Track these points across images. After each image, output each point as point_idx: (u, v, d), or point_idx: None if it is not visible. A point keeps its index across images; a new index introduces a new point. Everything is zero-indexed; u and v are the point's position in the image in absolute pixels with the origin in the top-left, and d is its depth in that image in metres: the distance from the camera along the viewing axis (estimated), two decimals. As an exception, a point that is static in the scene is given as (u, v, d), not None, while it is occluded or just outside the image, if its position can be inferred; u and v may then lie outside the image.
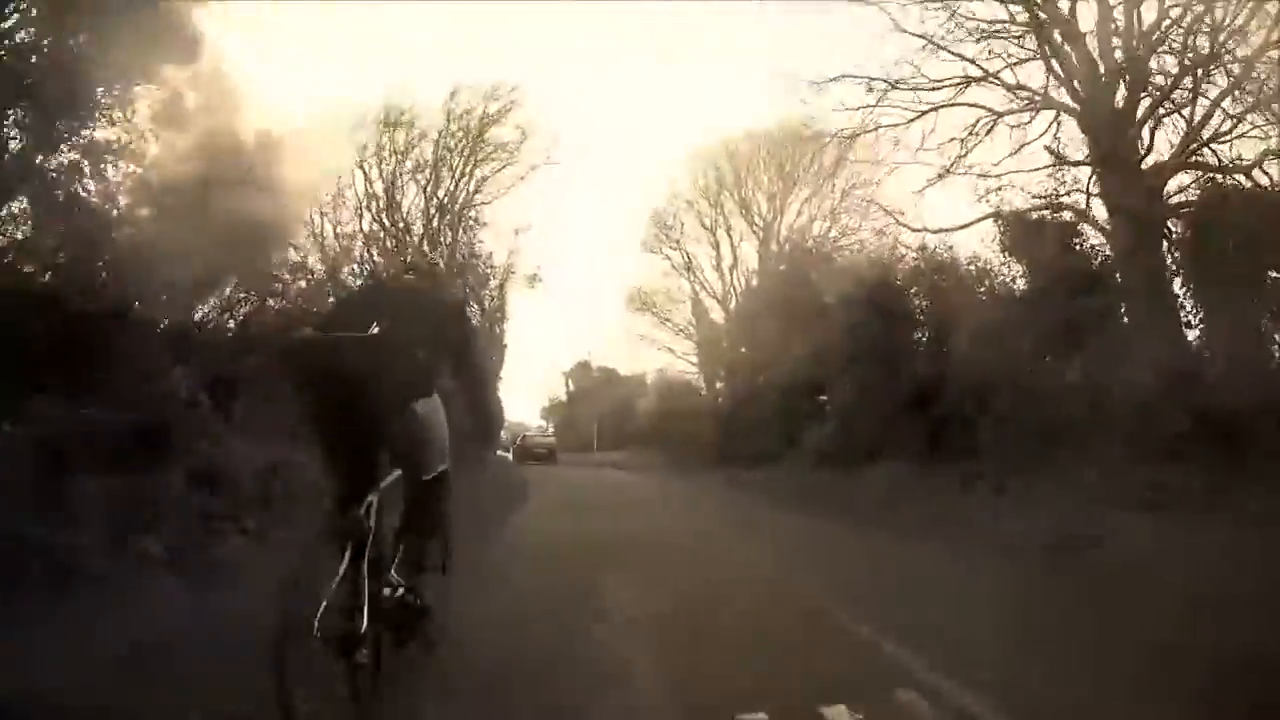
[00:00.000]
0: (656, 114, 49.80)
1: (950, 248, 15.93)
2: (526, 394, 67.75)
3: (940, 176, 15.08)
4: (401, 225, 16.74)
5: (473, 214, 16.69)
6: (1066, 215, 14.41)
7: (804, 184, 26.81)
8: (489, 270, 16.47)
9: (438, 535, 3.70)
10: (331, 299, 9.84)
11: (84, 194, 7.62)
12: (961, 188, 22.26)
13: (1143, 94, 13.21)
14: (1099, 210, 13.97)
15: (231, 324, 9.69)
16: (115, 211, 8.00)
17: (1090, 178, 14.00)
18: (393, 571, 3.36)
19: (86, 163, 7.60)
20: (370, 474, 3.26)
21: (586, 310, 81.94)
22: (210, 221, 7.82)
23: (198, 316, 9.29)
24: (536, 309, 77.87)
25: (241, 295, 9.89)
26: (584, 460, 43.10)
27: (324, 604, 2.80)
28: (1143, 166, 13.24)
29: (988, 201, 14.98)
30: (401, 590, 3.37)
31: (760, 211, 26.82)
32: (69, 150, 7.46)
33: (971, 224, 15.42)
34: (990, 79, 14.52)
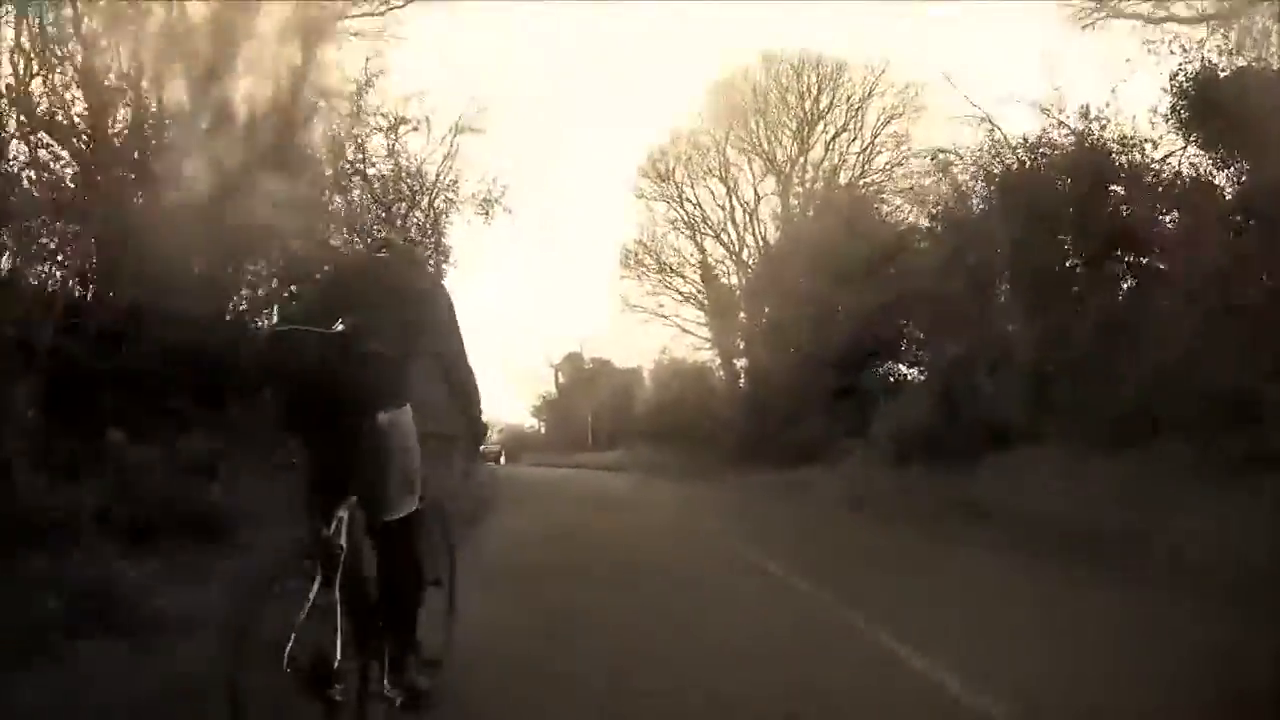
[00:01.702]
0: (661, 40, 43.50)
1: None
2: (514, 391, 63.32)
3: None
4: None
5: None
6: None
7: (831, 119, 21.93)
8: (408, 182, 11.42)
9: (416, 615, 3.05)
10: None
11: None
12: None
13: None
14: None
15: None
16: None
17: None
18: (385, 684, 2.89)
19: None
20: (342, 487, 2.80)
21: (577, 289, 76.63)
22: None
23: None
24: (518, 293, 72.94)
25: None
26: (576, 462, 38.27)
27: (293, 635, 2.45)
28: None
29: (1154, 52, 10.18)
30: (400, 701, 2.92)
31: (785, 150, 21.83)
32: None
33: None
34: None
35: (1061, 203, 10.74)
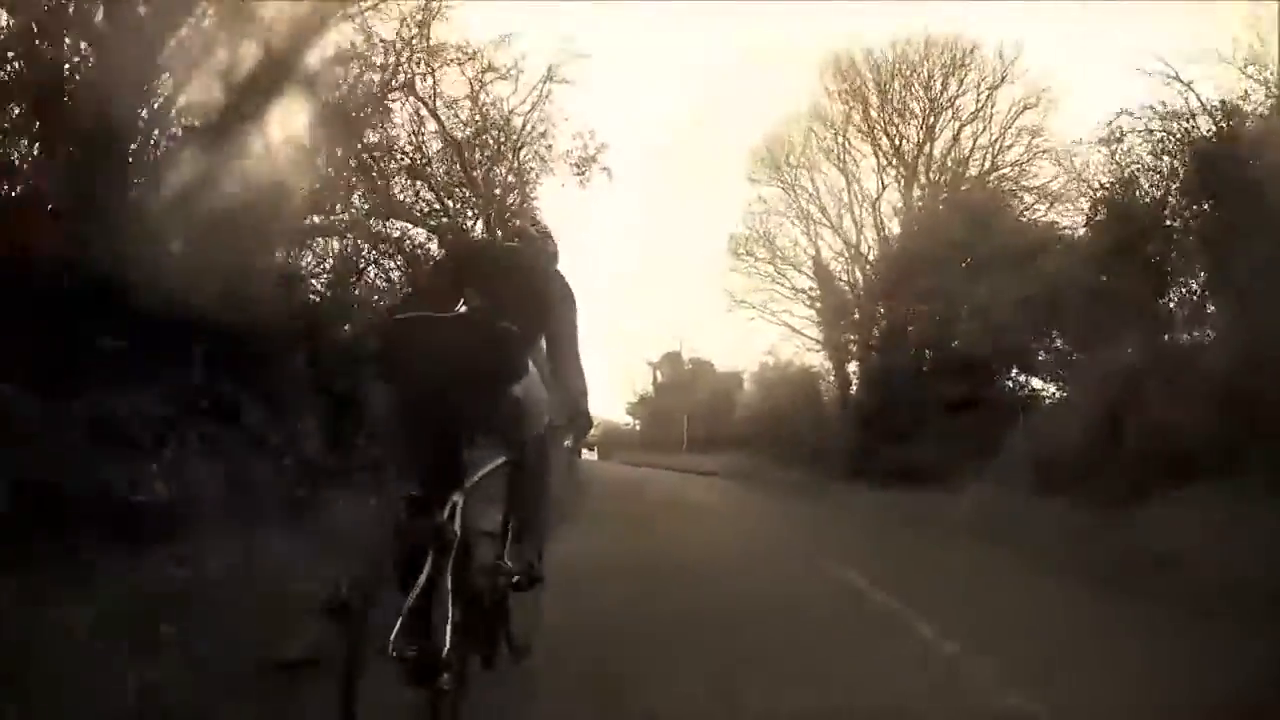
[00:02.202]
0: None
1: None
2: (610, 386, 62.91)
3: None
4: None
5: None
6: None
7: (960, 107, 19.84)
8: (494, 134, 10.36)
9: (540, 514, 3.38)
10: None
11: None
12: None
13: None
14: None
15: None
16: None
17: None
18: (505, 558, 3.16)
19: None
20: (456, 472, 2.89)
21: (680, 282, 75.35)
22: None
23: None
24: (619, 282, 72.51)
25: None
26: (668, 464, 37.13)
27: (399, 621, 2.43)
28: None
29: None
30: (517, 578, 3.18)
31: (910, 139, 19.91)
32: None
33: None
34: None
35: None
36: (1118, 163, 11.39)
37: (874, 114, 19.79)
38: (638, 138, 61.64)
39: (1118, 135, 11.04)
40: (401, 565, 2.57)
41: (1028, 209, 17.79)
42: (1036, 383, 14.86)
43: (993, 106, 19.54)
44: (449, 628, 2.53)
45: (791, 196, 21.05)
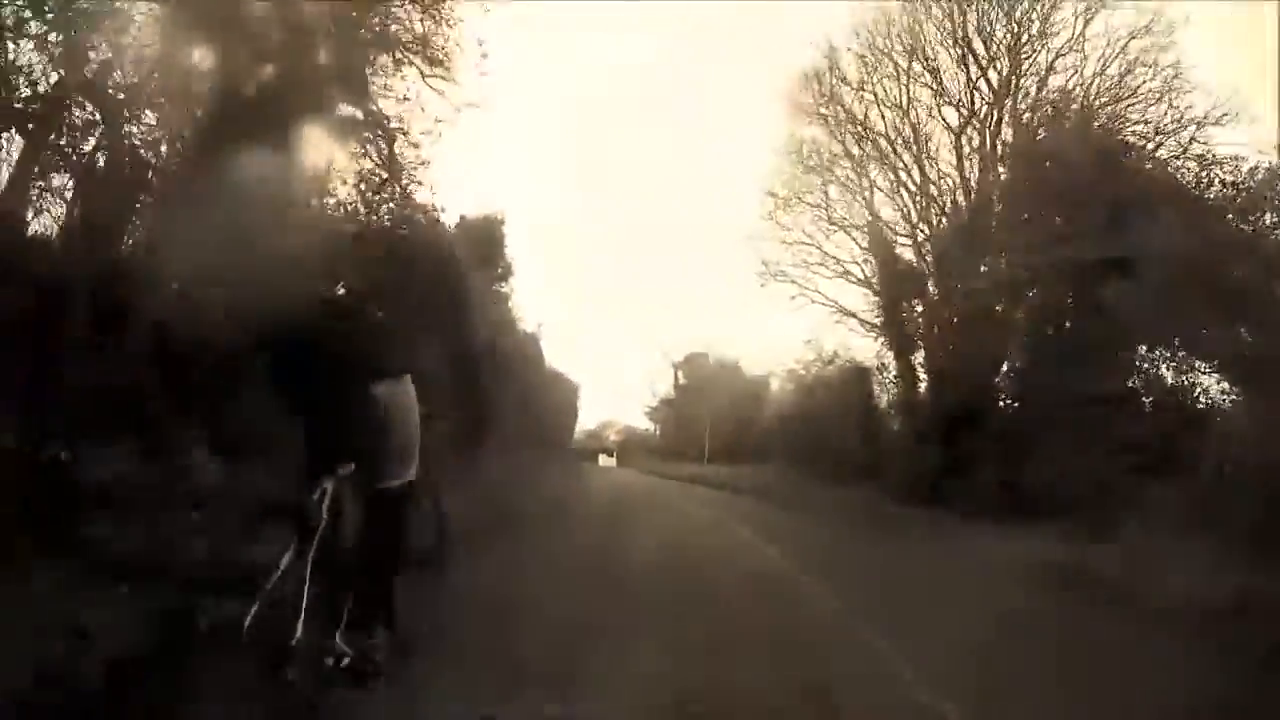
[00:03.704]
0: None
1: None
2: (630, 389, 59.20)
3: None
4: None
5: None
6: None
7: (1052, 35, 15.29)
8: None
9: (392, 583, 3.03)
10: None
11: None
12: None
13: None
14: None
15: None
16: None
17: None
18: (337, 638, 2.79)
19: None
20: (332, 456, 2.74)
21: (705, 276, 71.01)
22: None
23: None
24: (642, 274, 68.38)
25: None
26: (689, 474, 32.96)
27: (254, 607, 2.42)
28: None
29: None
30: (348, 659, 2.78)
31: (989, 72, 15.40)
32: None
33: None
34: None
35: None
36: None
37: (951, 23, 15.21)
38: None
39: None
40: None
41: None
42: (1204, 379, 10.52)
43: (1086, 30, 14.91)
44: (300, 617, 2.37)
45: (839, 137, 16.51)
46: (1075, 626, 6.02)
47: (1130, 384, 10.68)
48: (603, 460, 61.24)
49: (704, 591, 6.39)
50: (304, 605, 2.41)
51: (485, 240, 12.68)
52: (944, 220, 15.08)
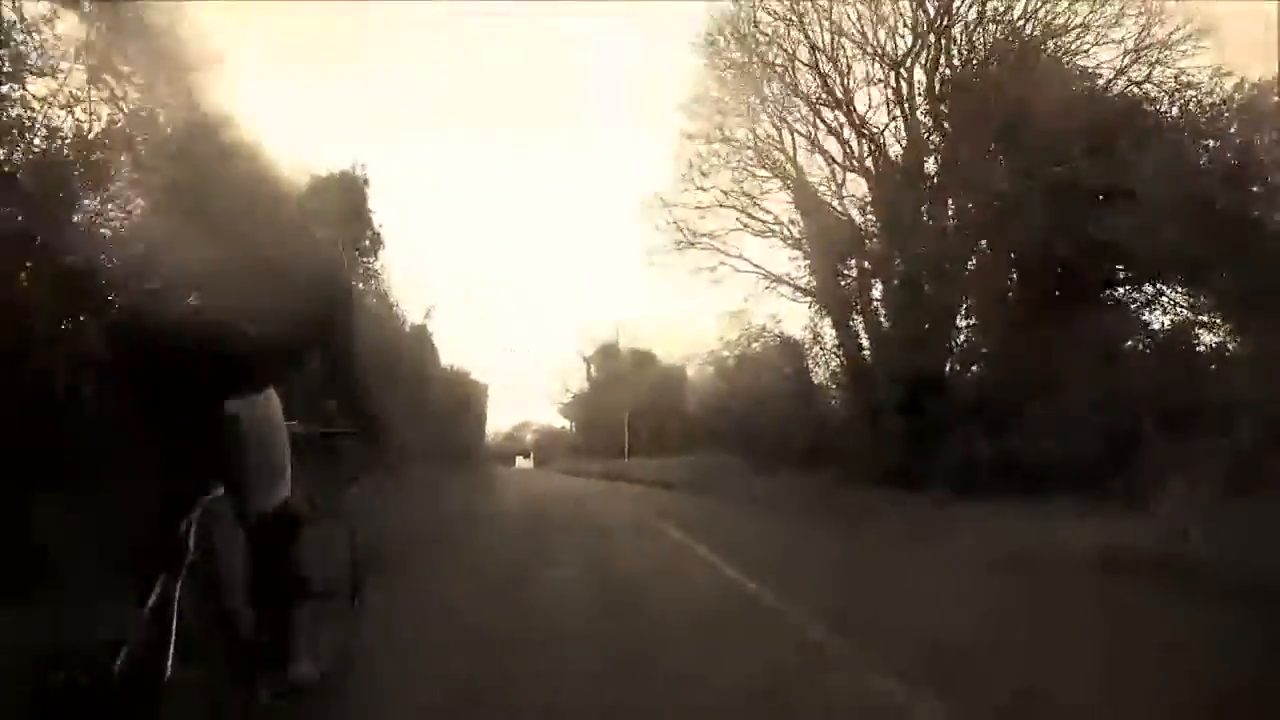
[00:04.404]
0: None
1: None
2: (543, 386, 56.92)
3: None
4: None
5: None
6: None
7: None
8: None
9: (296, 602, 2.73)
10: None
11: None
12: None
13: None
14: None
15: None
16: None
17: None
18: (257, 681, 2.55)
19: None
20: (198, 483, 2.43)
21: (614, 261, 69.11)
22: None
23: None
24: (550, 265, 65.73)
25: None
26: (611, 471, 30.89)
27: (124, 648, 2.06)
28: None
29: None
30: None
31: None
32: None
33: None
34: None
35: None
36: None
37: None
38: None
39: None
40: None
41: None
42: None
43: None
44: (170, 653, 2.14)
45: (749, 75, 14.50)
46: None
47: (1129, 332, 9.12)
48: (520, 463, 58.92)
49: (641, 632, 4.19)
50: (171, 643, 2.08)
51: (344, 204, 10.16)
52: (881, 165, 13.29)
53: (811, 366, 16.43)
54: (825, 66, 13.78)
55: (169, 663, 2.12)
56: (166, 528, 2.30)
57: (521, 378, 76.57)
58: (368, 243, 11.53)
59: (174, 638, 2.16)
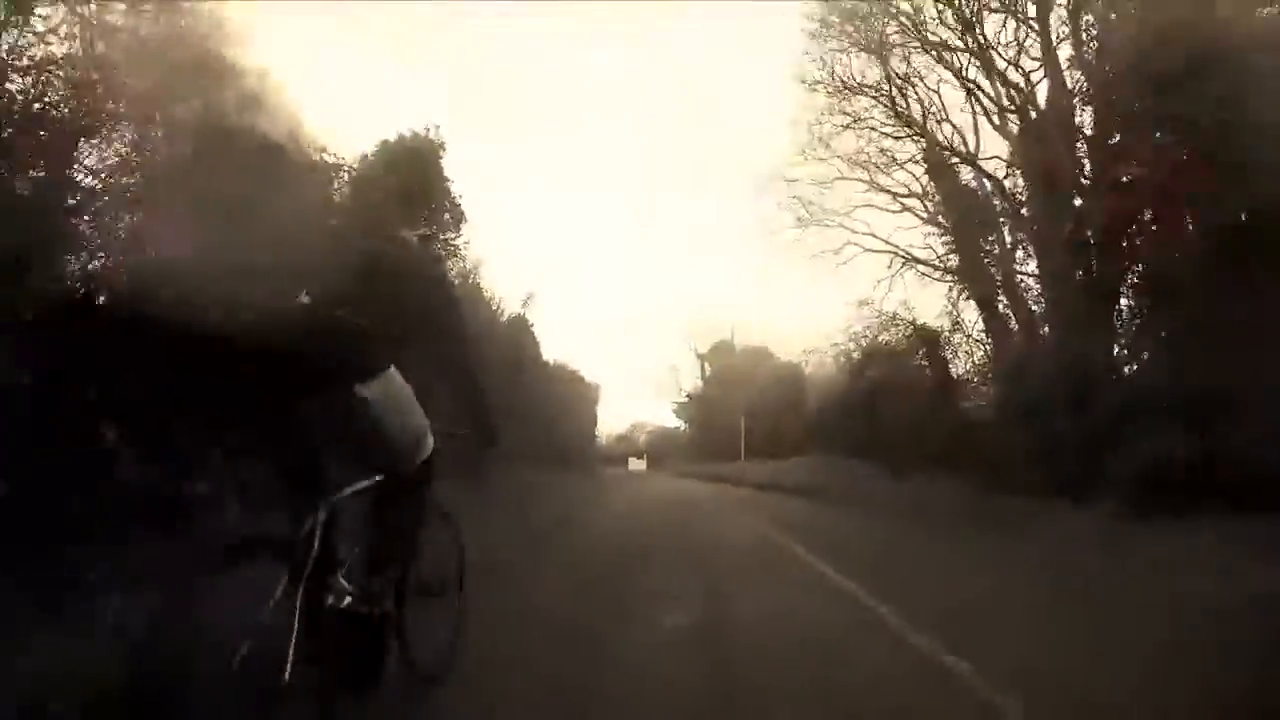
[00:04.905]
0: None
1: None
2: (653, 387, 56.41)
3: None
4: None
5: None
6: None
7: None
8: None
9: (403, 548, 2.79)
10: None
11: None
12: None
13: None
14: None
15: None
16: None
17: None
18: (340, 576, 2.53)
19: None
20: (314, 483, 2.49)
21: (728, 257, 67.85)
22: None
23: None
24: (664, 264, 64.84)
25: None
26: (726, 476, 29.59)
27: (246, 642, 2.08)
28: None
29: None
30: (349, 599, 2.54)
31: None
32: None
33: None
34: None
35: None
36: None
37: None
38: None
39: None
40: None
41: None
42: None
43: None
44: (291, 654, 2.16)
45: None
46: None
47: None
48: (633, 465, 58.39)
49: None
50: (292, 642, 2.10)
51: (416, 170, 9.45)
52: (1028, 117, 11.48)
53: (950, 357, 14.71)
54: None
55: (288, 666, 2.09)
56: (293, 527, 2.31)
57: (632, 375, 76.36)
58: (447, 216, 10.72)
59: (293, 642, 2.13)
